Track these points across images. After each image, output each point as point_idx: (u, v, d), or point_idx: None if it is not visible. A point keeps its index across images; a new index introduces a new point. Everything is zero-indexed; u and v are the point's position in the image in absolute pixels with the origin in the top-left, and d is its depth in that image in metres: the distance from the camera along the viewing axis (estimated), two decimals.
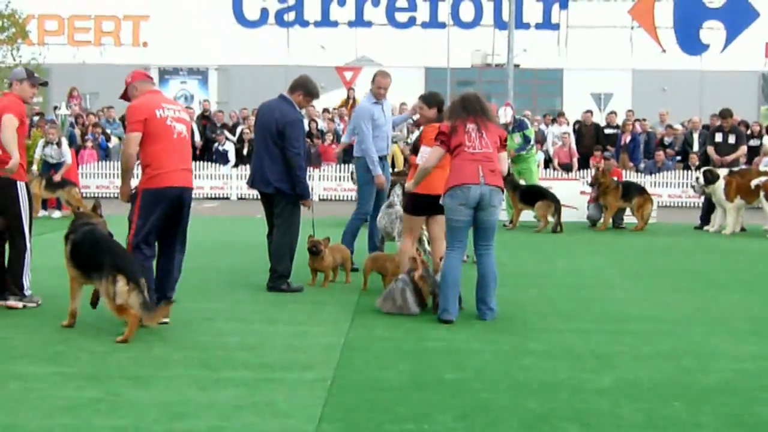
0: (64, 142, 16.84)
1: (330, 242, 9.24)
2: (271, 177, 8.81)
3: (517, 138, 15.34)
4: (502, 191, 7.73)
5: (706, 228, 15.75)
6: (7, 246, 8.03)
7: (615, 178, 16.12)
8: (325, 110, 24.34)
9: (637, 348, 6.82)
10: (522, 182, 15.45)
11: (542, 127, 23.55)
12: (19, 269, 7.92)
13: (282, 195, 8.85)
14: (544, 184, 16.15)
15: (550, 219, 15.06)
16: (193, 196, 7.75)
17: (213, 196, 22.36)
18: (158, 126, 7.24)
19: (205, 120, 24.31)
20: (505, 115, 15.32)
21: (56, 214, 16.63)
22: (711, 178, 15.31)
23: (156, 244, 7.53)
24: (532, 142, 16.42)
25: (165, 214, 7.37)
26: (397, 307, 7.80)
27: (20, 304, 7.88)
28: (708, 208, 15.99)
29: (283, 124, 8.72)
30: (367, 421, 4.98)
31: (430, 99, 8.97)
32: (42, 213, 16.32)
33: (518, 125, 15.63)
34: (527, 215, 15.57)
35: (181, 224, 7.56)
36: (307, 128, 22.91)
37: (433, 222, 8.63)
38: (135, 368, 6.07)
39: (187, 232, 7.74)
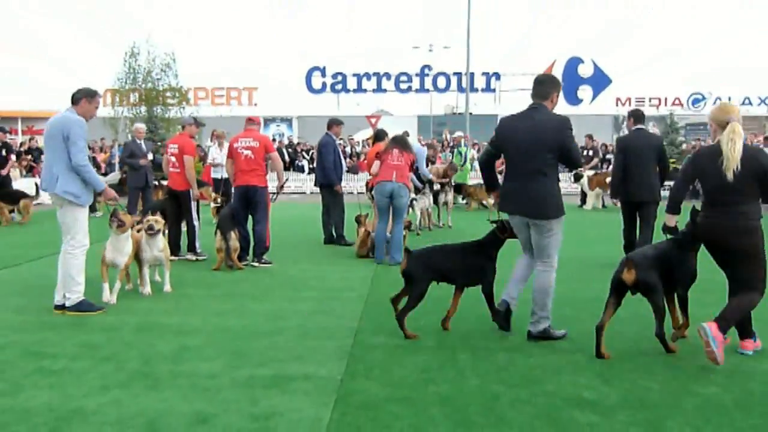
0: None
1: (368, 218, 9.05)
2: (319, 176, 9.22)
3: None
4: (408, 189, 7.52)
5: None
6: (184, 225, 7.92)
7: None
8: (362, 141, 24.44)
9: None
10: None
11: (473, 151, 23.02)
12: (192, 237, 7.79)
13: (325, 186, 9.14)
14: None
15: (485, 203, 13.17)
16: (268, 191, 7.48)
17: (295, 191, 22.28)
18: (234, 153, 7.41)
19: (290, 147, 24.30)
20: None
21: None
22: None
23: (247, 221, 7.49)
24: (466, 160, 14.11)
25: (241, 201, 7.32)
26: None
27: (193, 258, 7.74)
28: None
29: (320, 146, 9.21)
30: (388, 320, 4.90)
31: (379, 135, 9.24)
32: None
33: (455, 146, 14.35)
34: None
35: (255, 208, 7.32)
36: (349, 150, 22.78)
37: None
38: (253, 290, 6.08)
39: (266, 212, 7.37)
